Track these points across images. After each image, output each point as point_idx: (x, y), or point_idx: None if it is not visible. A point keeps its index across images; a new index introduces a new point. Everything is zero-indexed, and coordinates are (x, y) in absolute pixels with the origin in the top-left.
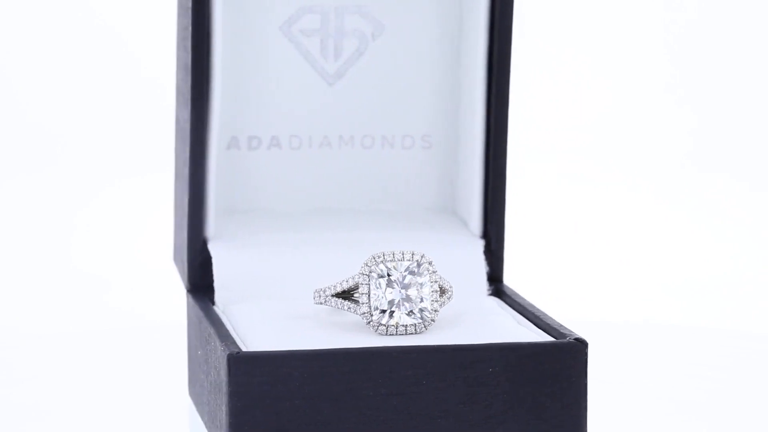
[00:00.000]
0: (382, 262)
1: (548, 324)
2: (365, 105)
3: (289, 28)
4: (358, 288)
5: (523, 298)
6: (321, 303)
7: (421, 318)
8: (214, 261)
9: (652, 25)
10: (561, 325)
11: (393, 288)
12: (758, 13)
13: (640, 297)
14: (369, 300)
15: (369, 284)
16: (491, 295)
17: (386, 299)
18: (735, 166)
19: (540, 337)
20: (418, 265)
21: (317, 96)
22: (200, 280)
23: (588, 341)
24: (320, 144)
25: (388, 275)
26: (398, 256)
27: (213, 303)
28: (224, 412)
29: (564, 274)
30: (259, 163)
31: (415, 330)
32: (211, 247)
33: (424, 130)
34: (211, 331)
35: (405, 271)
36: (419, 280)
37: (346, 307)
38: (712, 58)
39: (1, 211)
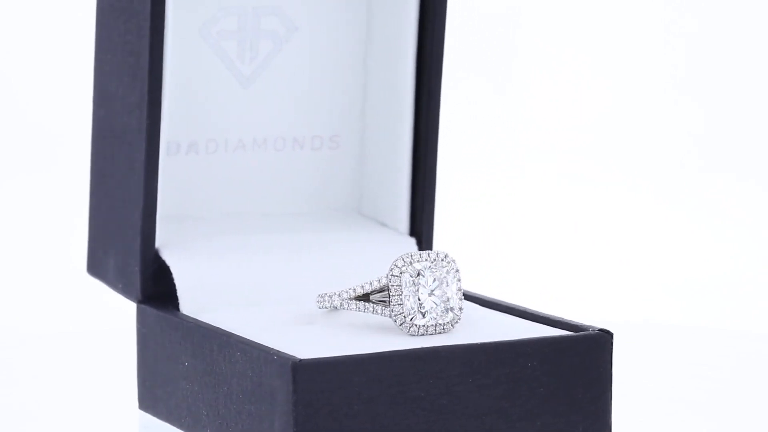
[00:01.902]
0: (411, 262)
1: (546, 318)
2: (278, 107)
3: (209, 31)
4: (386, 290)
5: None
6: (336, 308)
7: (451, 317)
8: (173, 270)
9: (652, 25)
10: (560, 318)
11: (425, 288)
12: (758, 12)
13: (640, 297)
14: (402, 301)
15: (401, 285)
16: None
17: (419, 300)
18: (735, 166)
19: (549, 330)
20: (446, 264)
21: (233, 98)
22: (152, 291)
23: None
24: (235, 147)
25: (419, 275)
26: (424, 256)
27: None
28: (283, 422)
29: (564, 274)
30: (178, 168)
31: (443, 329)
32: (165, 256)
33: (332, 131)
34: (229, 339)
35: (434, 270)
36: (447, 279)
37: (371, 310)
38: (712, 57)
39: (1, 211)
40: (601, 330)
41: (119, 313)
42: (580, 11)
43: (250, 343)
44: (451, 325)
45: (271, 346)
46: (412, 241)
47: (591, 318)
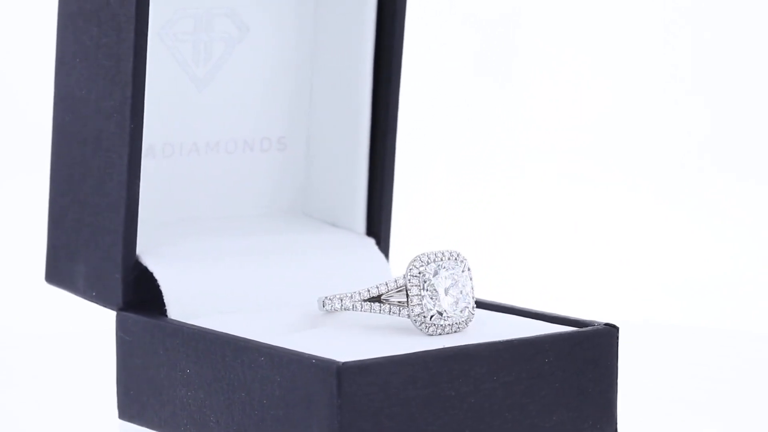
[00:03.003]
0: (428, 262)
1: (547, 316)
2: (230, 109)
3: (167, 33)
4: (401, 290)
5: None
6: (348, 309)
7: (467, 315)
8: (158, 276)
9: (652, 25)
10: (561, 315)
11: (442, 287)
12: (757, 13)
13: (640, 297)
14: (422, 301)
15: (419, 285)
16: None
17: (438, 299)
18: (735, 166)
19: (554, 327)
20: (459, 263)
21: (188, 101)
22: (133, 297)
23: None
24: (189, 151)
25: (436, 275)
26: (440, 255)
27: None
28: (325, 427)
29: (563, 275)
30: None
31: (458, 328)
32: (147, 262)
33: (279, 132)
34: (248, 344)
35: (449, 269)
36: (461, 277)
37: (387, 311)
38: (711, 57)
39: (1, 211)
40: (607, 324)
41: (81, 322)
42: (580, 11)
43: (277, 348)
44: (466, 324)
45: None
46: (372, 241)
47: (590, 318)
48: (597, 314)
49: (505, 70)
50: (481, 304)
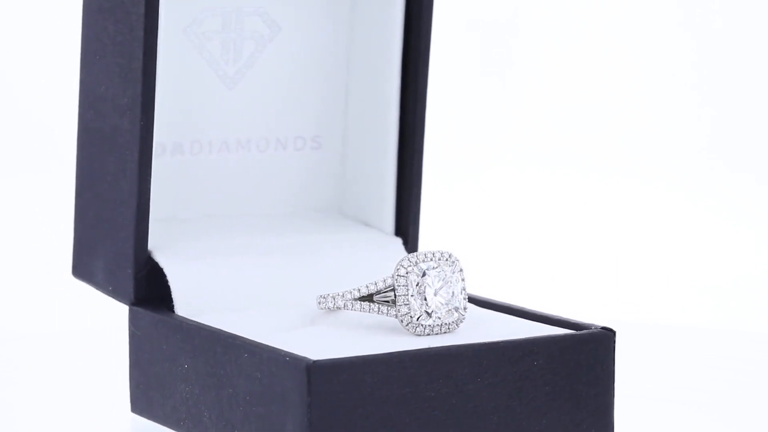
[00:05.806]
0: (416, 262)
1: (546, 317)
2: (262, 107)
3: (194, 31)
4: (391, 290)
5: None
6: (339, 308)
7: (457, 316)
8: (168, 272)
9: (655, 23)
10: (560, 317)
11: (431, 288)
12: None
13: (640, 297)
14: (409, 301)
15: (407, 285)
16: None
17: (425, 300)
18: (733, 166)
19: (551, 330)
20: (450, 264)
21: (217, 99)
22: (144, 293)
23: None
24: (219, 149)
25: (425, 275)
26: (429, 256)
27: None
28: (297, 424)
29: (561, 275)
30: (164, 170)
31: (448, 329)
32: (158, 258)
33: (314, 131)
34: (235, 341)
35: (440, 270)
36: (452, 278)
37: (376, 310)
38: (713, 58)
39: (1, 211)
40: (603, 328)
41: (105, 316)
42: (582, 10)
43: (258, 345)
44: (456, 325)
45: (280, 348)
46: (399, 240)
47: (590, 318)
48: (595, 315)
49: (505, 69)
50: (481, 303)
